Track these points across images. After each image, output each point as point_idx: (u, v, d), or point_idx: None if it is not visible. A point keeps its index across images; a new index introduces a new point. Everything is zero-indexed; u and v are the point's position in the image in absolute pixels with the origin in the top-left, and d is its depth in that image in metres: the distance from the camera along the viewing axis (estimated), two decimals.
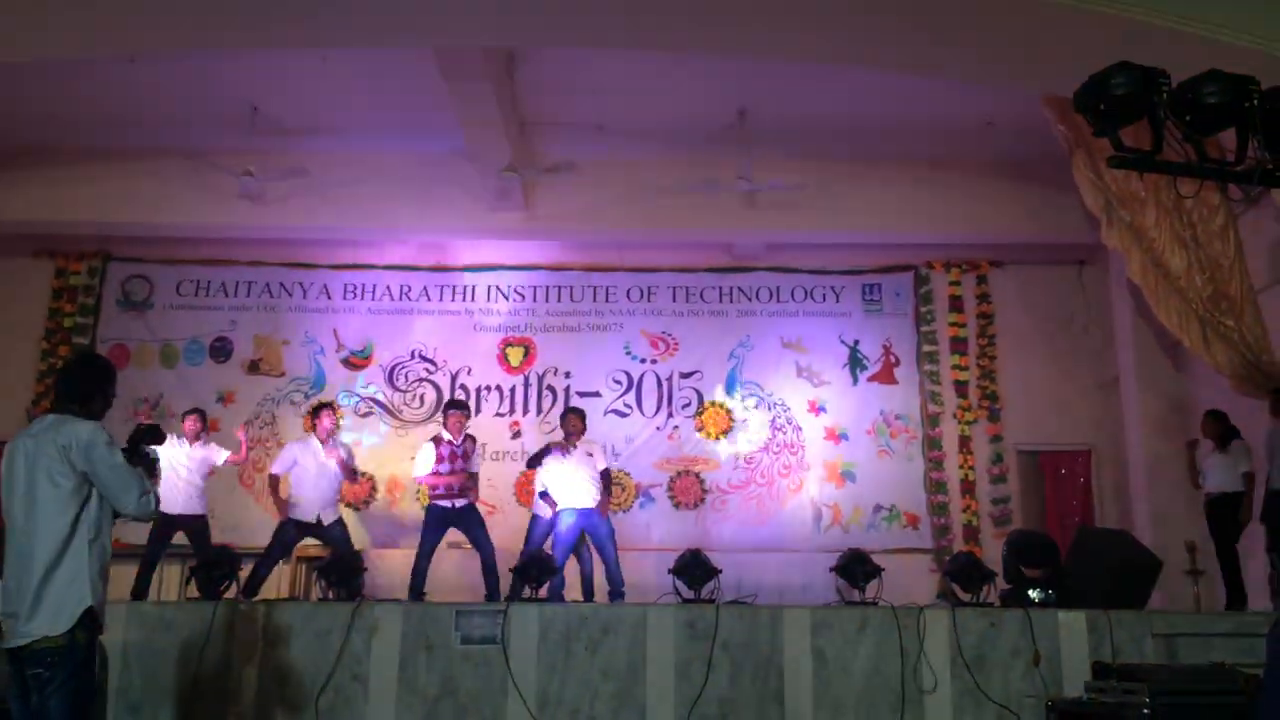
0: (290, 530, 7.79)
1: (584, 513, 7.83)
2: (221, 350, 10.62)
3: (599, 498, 7.88)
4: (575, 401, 10.40)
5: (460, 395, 10.43)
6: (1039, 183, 9.78)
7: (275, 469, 8.04)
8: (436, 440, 7.94)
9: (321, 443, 7.89)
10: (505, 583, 7.71)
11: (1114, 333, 10.22)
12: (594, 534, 7.87)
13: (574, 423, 8.11)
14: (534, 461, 8.12)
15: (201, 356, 10.60)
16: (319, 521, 7.74)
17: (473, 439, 8.13)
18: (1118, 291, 9.83)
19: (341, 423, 10.01)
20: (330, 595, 6.61)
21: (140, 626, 6.09)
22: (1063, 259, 10.54)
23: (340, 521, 7.95)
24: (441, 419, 8.50)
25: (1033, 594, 6.41)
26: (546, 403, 10.60)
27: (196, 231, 10.32)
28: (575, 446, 7.97)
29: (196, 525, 8.04)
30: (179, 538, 8.02)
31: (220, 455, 8.26)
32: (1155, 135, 3.75)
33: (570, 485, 7.87)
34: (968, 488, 10.22)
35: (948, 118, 9.16)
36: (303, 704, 5.97)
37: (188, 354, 10.60)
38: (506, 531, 9.51)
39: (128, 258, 10.82)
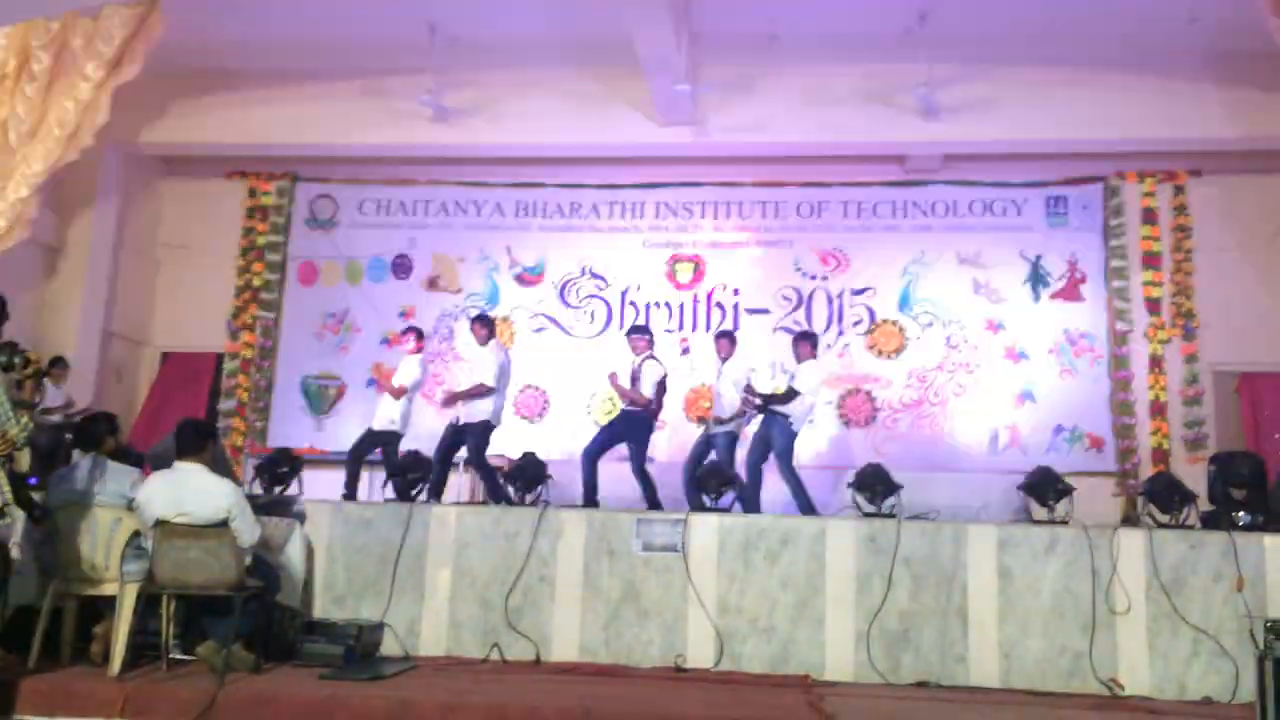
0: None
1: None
2: (402, 267, 11.03)
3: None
4: (744, 319, 10.43)
5: (630, 311, 10.63)
6: (1244, 83, 9.06)
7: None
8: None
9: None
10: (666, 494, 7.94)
11: None
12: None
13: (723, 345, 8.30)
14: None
15: (384, 273, 11.03)
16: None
17: (648, 360, 8.07)
18: None
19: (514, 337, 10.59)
20: (515, 500, 6.84)
21: (344, 525, 6.47)
22: (1270, 167, 9.79)
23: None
24: None
25: (1237, 516, 6.09)
26: (715, 319, 10.58)
27: (377, 152, 10.59)
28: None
29: (385, 441, 8.40)
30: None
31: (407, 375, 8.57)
32: None
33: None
34: (1159, 409, 9.76)
35: (1140, 13, 8.55)
36: (493, 602, 6.23)
37: (371, 271, 11.05)
38: (675, 447, 9.72)
39: (314, 178, 11.29)
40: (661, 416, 9.73)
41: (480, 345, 8.24)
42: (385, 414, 8.41)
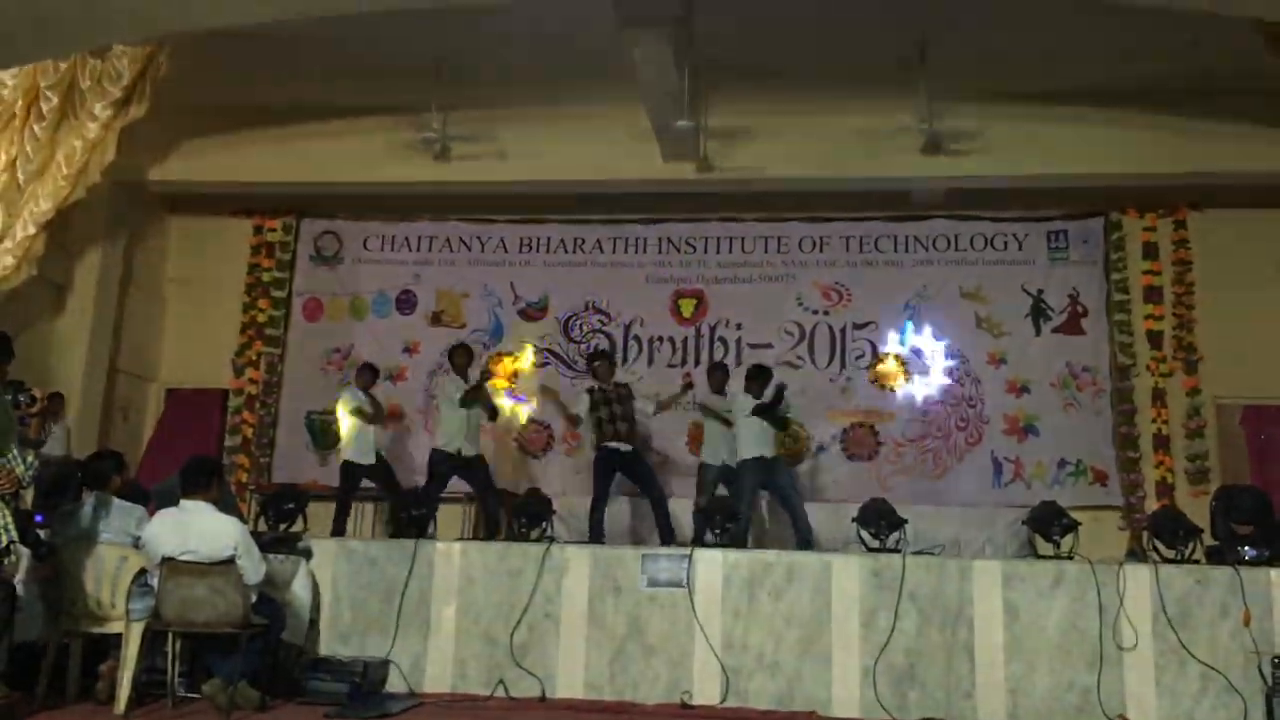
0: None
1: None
2: (407, 303, 11.07)
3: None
4: (747, 354, 10.43)
5: (633, 346, 10.71)
6: (1244, 118, 9.07)
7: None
8: (590, 390, 8.52)
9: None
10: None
11: None
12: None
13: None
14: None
15: (388, 309, 11.08)
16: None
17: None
18: None
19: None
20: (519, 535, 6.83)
21: (348, 561, 6.46)
22: (1271, 201, 9.81)
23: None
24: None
25: (1242, 551, 6.08)
26: (718, 354, 10.58)
27: (381, 190, 10.62)
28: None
29: (377, 471, 8.48)
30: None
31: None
32: None
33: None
34: (1161, 443, 9.75)
35: (1140, 48, 8.61)
36: (498, 638, 6.22)
37: (376, 306, 11.09)
38: (676, 482, 9.70)
39: (319, 215, 11.35)
40: (663, 451, 10.01)
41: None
42: (378, 443, 8.54)
